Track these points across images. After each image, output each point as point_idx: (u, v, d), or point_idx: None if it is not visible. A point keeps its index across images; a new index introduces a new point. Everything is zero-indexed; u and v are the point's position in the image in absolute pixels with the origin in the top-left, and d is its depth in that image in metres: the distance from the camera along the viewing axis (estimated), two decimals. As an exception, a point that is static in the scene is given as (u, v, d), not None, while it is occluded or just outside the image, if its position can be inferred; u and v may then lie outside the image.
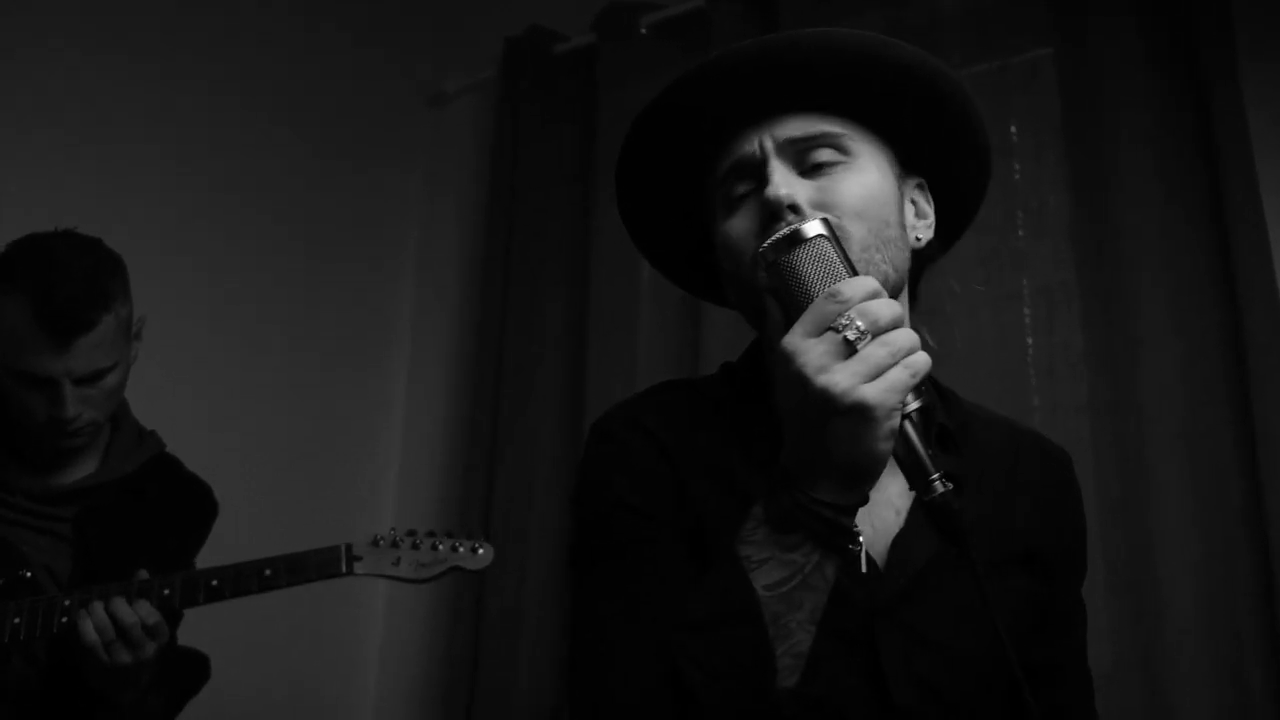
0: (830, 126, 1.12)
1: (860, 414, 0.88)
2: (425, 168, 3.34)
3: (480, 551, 1.87)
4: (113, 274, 1.78)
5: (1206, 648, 1.91)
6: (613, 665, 1.03)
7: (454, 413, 3.06)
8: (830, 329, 0.90)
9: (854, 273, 0.96)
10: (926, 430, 1.15)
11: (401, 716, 2.88)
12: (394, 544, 1.84)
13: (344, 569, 1.80)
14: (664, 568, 1.07)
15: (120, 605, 1.65)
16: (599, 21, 2.90)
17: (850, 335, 0.89)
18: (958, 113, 1.18)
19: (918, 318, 1.24)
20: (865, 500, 0.96)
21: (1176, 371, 2.02)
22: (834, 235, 0.98)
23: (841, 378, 0.88)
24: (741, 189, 1.13)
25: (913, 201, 1.19)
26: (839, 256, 0.97)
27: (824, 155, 1.11)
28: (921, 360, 0.90)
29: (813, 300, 0.93)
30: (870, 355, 0.89)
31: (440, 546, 1.85)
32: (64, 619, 1.67)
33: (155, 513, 1.91)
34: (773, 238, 0.98)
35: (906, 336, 0.90)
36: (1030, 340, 2.25)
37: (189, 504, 1.98)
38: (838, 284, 0.92)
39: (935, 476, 0.92)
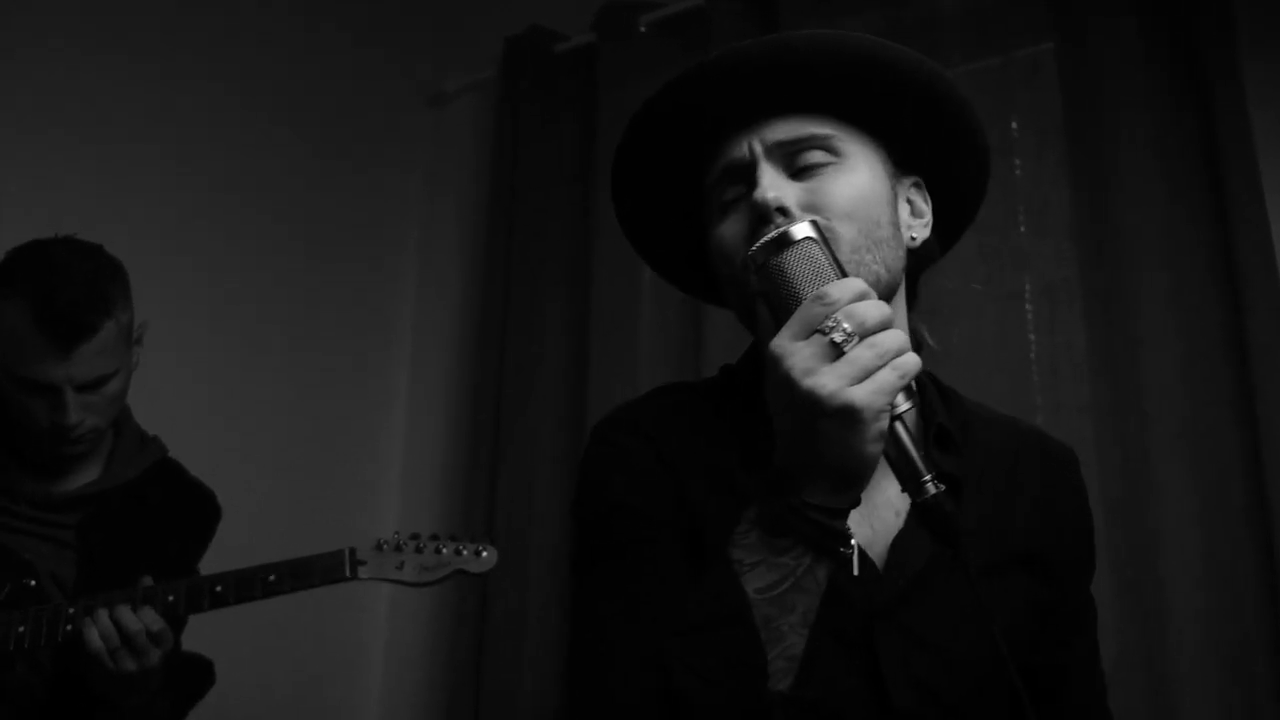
0: (820, 128, 1.12)
1: (848, 416, 0.88)
2: (425, 168, 3.33)
3: (484, 554, 1.87)
4: (113, 280, 1.78)
5: (1209, 648, 1.91)
6: (613, 665, 1.03)
7: (455, 413, 3.05)
8: (817, 331, 0.90)
9: (843, 274, 0.96)
10: (925, 430, 1.16)
11: (407, 719, 2.88)
12: (398, 548, 1.84)
13: (348, 574, 1.80)
14: (664, 568, 1.07)
15: (125, 613, 1.65)
16: (599, 21, 2.89)
17: (837, 337, 0.89)
18: (951, 111, 1.17)
19: (917, 317, 1.23)
20: (857, 502, 0.96)
21: (1179, 371, 2.02)
22: (822, 237, 0.98)
23: (828, 380, 0.88)
24: (732, 193, 1.14)
25: (908, 201, 1.18)
26: (827, 258, 0.96)
27: (814, 157, 1.11)
28: (910, 362, 0.90)
29: (801, 303, 0.93)
30: (857, 357, 0.88)
31: (444, 550, 1.85)
32: (69, 627, 1.67)
33: (158, 518, 1.90)
34: (761, 240, 0.98)
35: (895, 338, 0.90)
36: (1033, 339, 2.24)
37: (192, 509, 1.98)
38: (825, 286, 0.92)
39: (927, 478, 0.92)
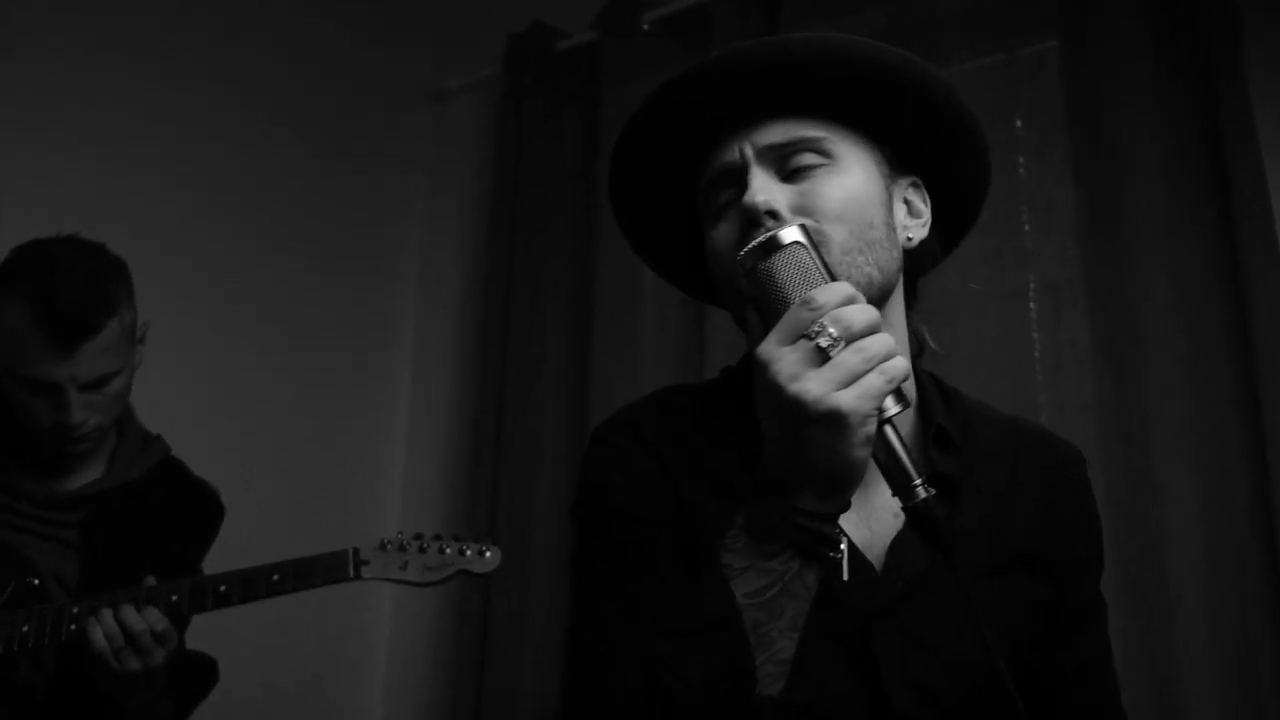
0: (811, 130, 1.12)
1: (834, 421, 0.88)
2: (427, 166, 3.33)
3: (488, 554, 1.86)
4: (116, 279, 1.78)
5: (1214, 647, 1.90)
6: (612, 666, 1.02)
7: (457, 413, 3.05)
8: (804, 336, 0.90)
9: (832, 278, 0.96)
10: (925, 430, 1.16)
11: (410, 719, 2.88)
12: (401, 548, 1.83)
13: (352, 573, 1.79)
14: (664, 569, 1.07)
15: (129, 612, 1.65)
16: (601, 18, 2.89)
17: (823, 342, 0.89)
18: (945, 111, 1.17)
19: (918, 318, 1.23)
20: (847, 506, 0.96)
21: (1183, 369, 2.01)
22: (811, 241, 0.97)
23: (813, 385, 0.88)
24: (725, 196, 1.14)
25: (905, 201, 1.18)
26: (815, 262, 0.96)
27: (805, 159, 1.11)
28: (898, 366, 0.90)
29: (790, 307, 0.93)
30: (843, 362, 0.88)
31: (448, 550, 1.85)
32: (72, 626, 1.67)
33: (161, 517, 1.90)
34: (750, 245, 0.98)
35: (882, 342, 0.90)
36: (1036, 337, 2.24)
37: (195, 508, 1.98)
38: (811, 291, 0.92)
39: (917, 483, 0.92)
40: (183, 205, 2.67)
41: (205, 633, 1.91)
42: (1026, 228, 2.29)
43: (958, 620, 1.07)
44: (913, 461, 0.93)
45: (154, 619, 1.66)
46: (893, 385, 0.90)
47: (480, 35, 3.22)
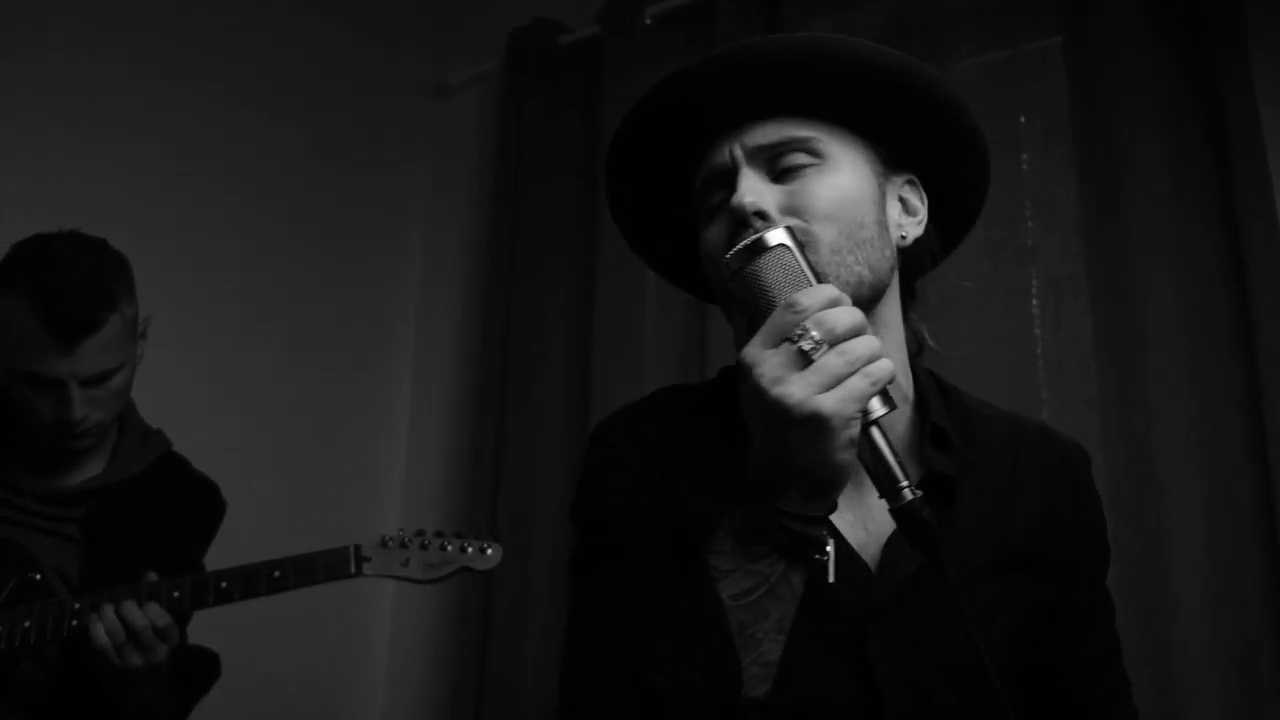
0: (800, 131, 1.12)
1: (816, 424, 0.88)
2: (429, 164, 3.33)
3: (489, 552, 1.86)
4: (117, 274, 1.78)
5: (1214, 646, 1.89)
6: (613, 665, 1.02)
7: (458, 411, 3.05)
8: (787, 340, 0.90)
9: (817, 280, 0.96)
10: (921, 429, 1.15)
11: (410, 716, 2.87)
12: (403, 544, 1.83)
13: (353, 570, 1.79)
14: (664, 570, 1.08)
15: (130, 608, 1.65)
16: (603, 13, 2.88)
17: (806, 345, 0.89)
18: (939, 108, 1.17)
19: (917, 316, 1.23)
20: (833, 508, 0.96)
21: (1185, 366, 2.01)
22: (798, 243, 0.98)
23: (796, 389, 0.88)
24: (717, 197, 1.14)
25: (901, 199, 1.18)
26: (801, 264, 0.97)
27: (795, 159, 1.11)
28: (883, 368, 0.90)
29: (775, 310, 0.93)
30: (826, 365, 0.89)
31: (449, 547, 1.84)
32: (74, 622, 1.67)
33: (163, 512, 1.90)
34: (736, 247, 0.98)
35: (866, 344, 0.90)
36: (1039, 334, 2.24)
37: (196, 503, 1.97)
38: (796, 294, 0.92)
39: (904, 485, 0.92)
40: (182, 203, 2.67)
41: (206, 629, 1.91)
42: (1029, 224, 2.29)
43: (950, 621, 1.07)
44: (900, 463, 0.93)
45: (156, 615, 1.66)
46: (877, 388, 0.90)
47: (482, 30, 3.21)
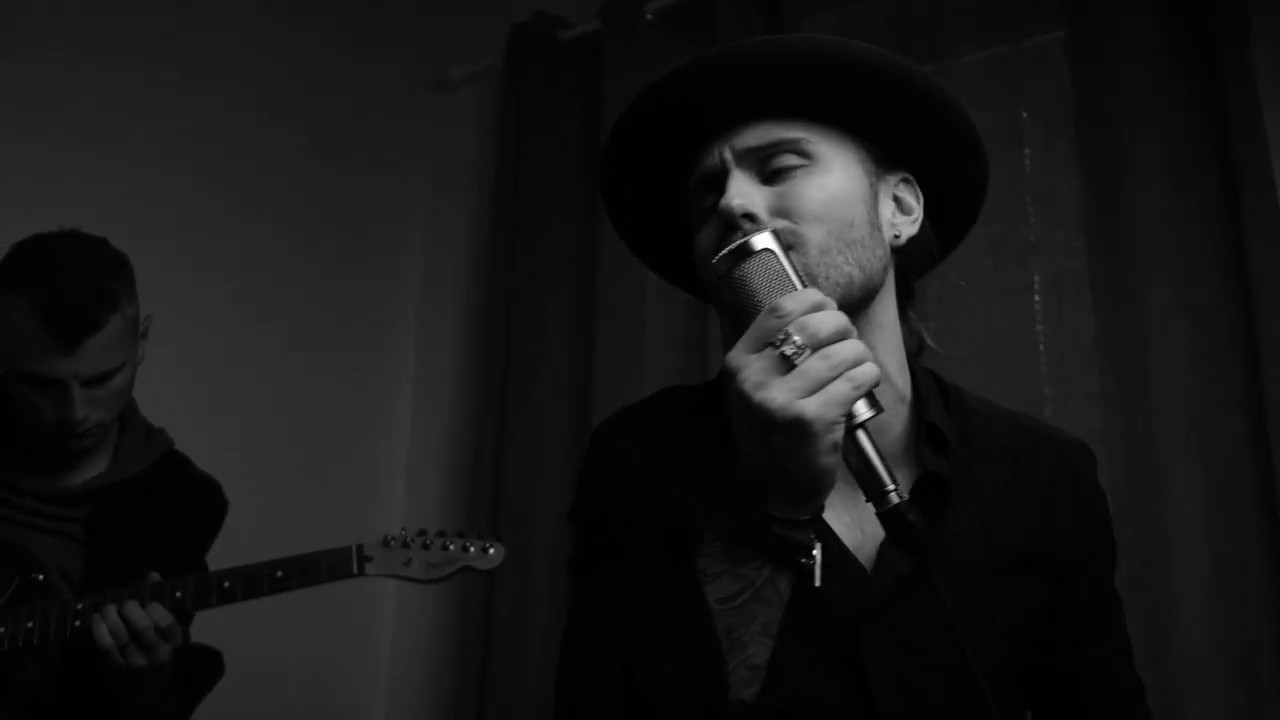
0: (790, 132, 1.12)
1: (798, 429, 0.88)
2: (429, 161, 3.32)
3: (491, 551, 1.86)
4: (118, 274, 1.77)
5: (1214, 647, 1.89)
6: (610, 666, 1.02)
7: (460, 411, 3.05)
8: (770, 344, 0.90)
9: (803, 284, 0.96)
10: (917, 429, 1.15)
11: (412, 716, 2.87)
12: (405, 544, 1.83)
13: (355, 570, 1.79)
14: (663, 570, 1.08)
15: (133, 609, 1.65)
16: (604, 9, 2.87)
17: (788, 350, 0.89)
18: (937, 109, 1.16)
19: (916, 316, 1.23)
20: (820, 511, 0.96)
21: (1187, 363, 2.00)
22: (784, 246, 0.98)
23: (778, 394, 0.88)
24: (709, 200, 1.14)
25: (895, 198, 1.17)
26: (786, 268, 0.96)
27: (785, 161, 1.11)
28: (867, 372, 0.90)
29: (760, 314, 0.93)
30: (808, 370, 0.88)
31: (451, 546, 1.84)
32: (77, 623, 1.67)
33: (165, 511, 1.90)
34: (723, 251, 0.98)
35: (851, 348, 0.89)
36: (1041, 329, 2.23)
37: (198, 502, 1.97)
38: (779, 298, 0.92)
39: (890, 488, 0.92)
40: (182, 202, 2.67)
41: (208, 629, 1.90)
42: (1031, 220, 2.29)
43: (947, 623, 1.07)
44: (886, 466, 0.93)
45: (159, 615, 1.66)
46: (861, 391, 0.89)
47: (482, 25, 3.21)
